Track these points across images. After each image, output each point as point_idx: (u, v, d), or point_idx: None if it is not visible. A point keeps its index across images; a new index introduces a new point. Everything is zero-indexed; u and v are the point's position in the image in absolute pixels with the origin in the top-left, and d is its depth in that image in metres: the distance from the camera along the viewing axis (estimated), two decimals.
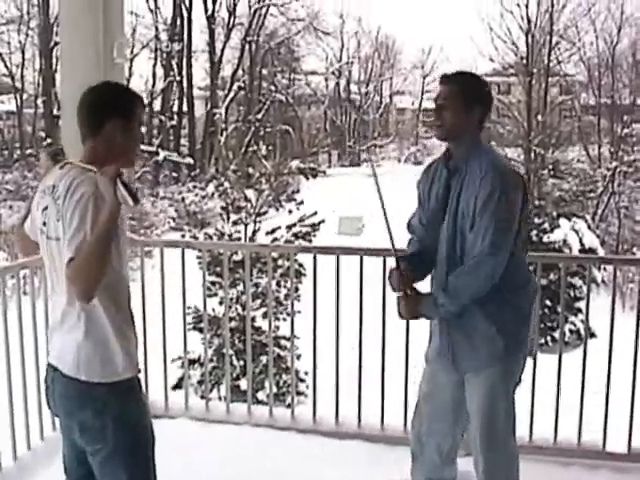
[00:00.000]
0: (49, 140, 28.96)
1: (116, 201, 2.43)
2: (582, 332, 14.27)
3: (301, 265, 10.54)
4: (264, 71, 41.19)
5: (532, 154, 27.80)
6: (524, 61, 30.26)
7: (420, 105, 52.76)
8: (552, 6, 29.42)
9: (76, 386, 2.60)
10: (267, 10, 38.66)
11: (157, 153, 32.20)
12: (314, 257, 4.58)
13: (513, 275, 3.25)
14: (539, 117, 28.73)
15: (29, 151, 32.97)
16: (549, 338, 14.43)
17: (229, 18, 37.96)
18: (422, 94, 52.50)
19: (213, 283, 11.08)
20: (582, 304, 15.21)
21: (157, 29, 36.35)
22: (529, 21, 29.80)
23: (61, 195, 2.52)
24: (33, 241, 2.80)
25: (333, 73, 49.36)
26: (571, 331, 15.71)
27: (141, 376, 2.74)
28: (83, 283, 2.39)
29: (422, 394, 3.66)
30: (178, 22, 36.24)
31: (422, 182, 3.56)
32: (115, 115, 2.64)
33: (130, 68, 33.37)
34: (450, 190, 3.33)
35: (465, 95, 3.28)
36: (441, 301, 3.24)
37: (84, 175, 2.54)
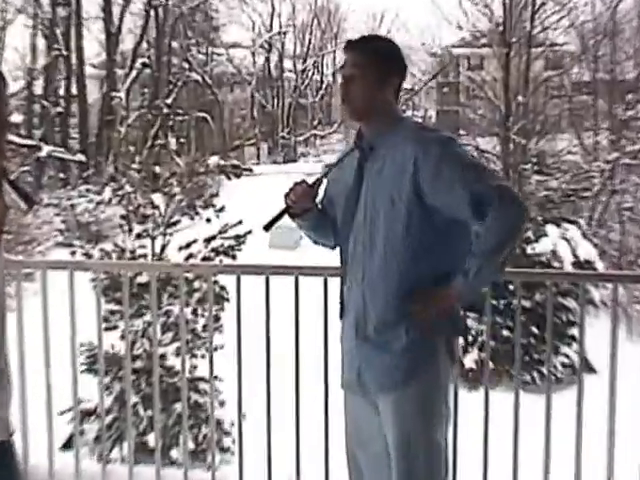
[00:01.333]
0: None
1: (3, 206, 2.38)
2: (577, 366, 14.43)
3: (223, 288, 10.50)
4: (174, 44, 41.13)
5: (511, 144, 28.07)
6: (500, 28, 30.24)
7: None
8: None
9: None
10: None
11: (39, 148, 31.86)
12: (238, 278, 4.57)
13: (435, 265, 3.37)
14: (519, 98, 29.04)
15: None
16: (535, 374, 14.54)
17: None
18: (338, 69, 53.25)
19: (112, 312, 10.95)
20: (577, 331, 15.36)
21: None
22: None
23: None
24: None
25: (262, 46, 49.56)
26: (564, 365, 15.79)
27: (17, 436, 2.67)
28: None
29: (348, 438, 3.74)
30: None
31: (331, 174, 3.68)
32: None
33: (0, 39, 33.03)
34: (363, 176, 3.45)
35: (376, 63, 3.42)
36: (472, 267, 3.27)
37: None
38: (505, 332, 13.17)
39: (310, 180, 3.63)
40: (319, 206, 3.69)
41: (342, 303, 3.61)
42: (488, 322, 4.42)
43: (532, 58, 31.38)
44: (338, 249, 3.63)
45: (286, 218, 3.64)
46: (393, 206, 3.30)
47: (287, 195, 3.60)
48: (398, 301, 3.34)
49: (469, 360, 14.70)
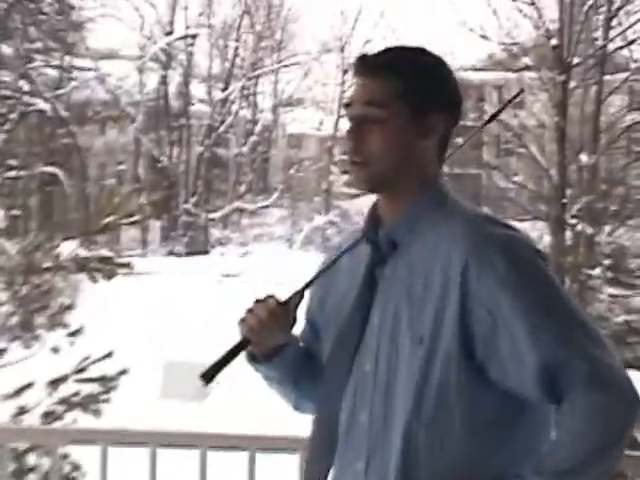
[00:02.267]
0: None
1: None
2: None
3: (77, 468, 10.45)
4: (6, 49, 41.37)
5: (568, 234, 28.35)
6: (554, 40, 30.39)
7: (336, 128, 53.35)
8: None
9: None
10: None
11: None
12: (104, 451, 4.54)
13: (483, 462, 3.16)
14: (583, 157, 29.27)
15: None
16: None
17: None
18: (343, 106, 53.84)
19: None
20: None
21: None
22: None
23: None
24: None
25: (156, 58, 50.00)
26: None
27: None
28: None
29: None
30: None
31: (316, 286, 3.51)
32: None
33: None
34: (376, 287, 3.28)
35: (414, 97, 3.21)
36: None
37: None
38: None
39: (282, 295, 3.43)
40: (298, 341, 3.55)
41: None
42: None
43: (606, 91, 31.80)
44: (315, 410, 3.43)
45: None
46: (425, 349, 3.08)
47: (244, 320, 3.38)
48: None
49: None
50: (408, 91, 3.15)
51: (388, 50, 3.27)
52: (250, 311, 3.34)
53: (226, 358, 3.34)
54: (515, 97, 3.51)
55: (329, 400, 3.31)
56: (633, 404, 2.98)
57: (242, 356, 3.40)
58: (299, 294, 3.37)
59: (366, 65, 3.21)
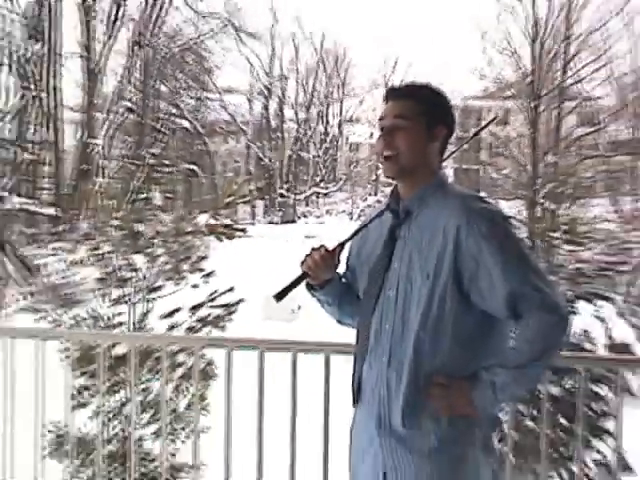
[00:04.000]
0: None
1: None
2: (612, 464, 14.25)
3: (210, 363, 10.46)
4: (163, 87, 41.33)
5: (539, 209, 28.01)
6: (529, 79, 30.31)
7: None
8: (570, 1, 29.66)
9: None
10: (169, 0, 38.94)
11: (3, 200, 31.92)
12: (228, 353, 4.55)
13: (469, 360, 3.29)
14: (549, 157, 29.00)
15: None
16: (564, 472, 14.39)
17: (114, 10, 38.08)
18: (378, 119, 53.40)
19: (83, 388, 10.91)
20: (612, 423, 15.20)
21: (8, 20, 36.26)
22: (536, 23, 29.98)
23: None
24: None
25: (260, 92, 49.85)
26: (597, 462, 15.53)
27: None
28: None
29: None
30: (38, 11, 36.09)
31: (354, 241, 3.66)
32: None
33: None
34: (396, 242, 3.41)
35: (425, 114, 3.40)
36: (501, 380, 3.21)
37: None
38: (529, 423, 13.09)
39: (330, 245, 3.59)
40: (342, 277, 3.67)
41: (357, 387, 3.50)
42: (511, 411, 4.40)
43: (564, 113, 31.63)
44: (356, 325, 3.54)
45: (282, 286, 3.60)
46: (430, 282, 3.25)
47: (303, 262, 3.58)
48: (426, 393, 3.26)
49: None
50: (424, 111, 3.38)
51: (409, 85, 3.50)
52: (308, 255, 3.57)
53: (291, 285, 3.58)
54: (490, 122, 3.73)
55: (365, 317, 3.46)
56: (567, 321, 3.22)
57: (303, 286, 3.65)
58: (341, 245, 3.56)
59: (397, 92, 3.45)
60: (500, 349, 3.31)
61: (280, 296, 3.56)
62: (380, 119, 3.45)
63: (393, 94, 3.45)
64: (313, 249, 3.57)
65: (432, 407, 3.26)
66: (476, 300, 3.24)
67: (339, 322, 3.81)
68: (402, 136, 3.36)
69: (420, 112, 3.37)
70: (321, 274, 3.56)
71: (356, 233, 3.59)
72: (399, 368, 3.31)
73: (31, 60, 35.75)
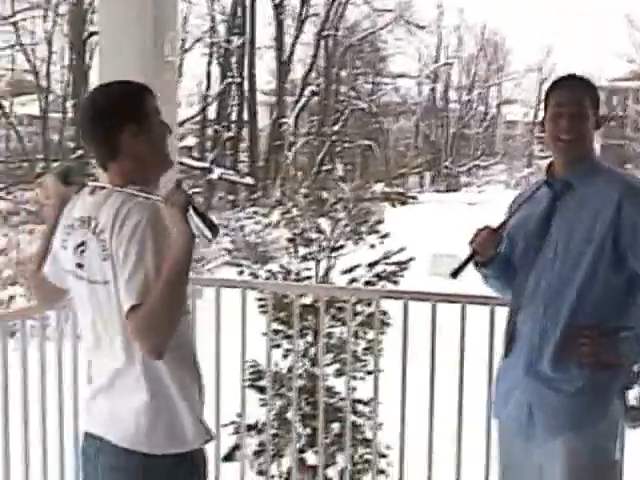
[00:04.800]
0: (73, 154, 29.08)
1: (190, 234, 2.37)
2: None
3: (384, 313, 10.50)
4: (343, 73, 41.56)
5: None
6: None
7: (535, 117, 52.19)
8: None
9: (133, 459, 2.55)
10: None
11: (210, 170, 32.58)
12: (405, 305, 4.54)
13: (616, 316, 3.23)
14: None
15: (55, 164, 32.85)
16: None
17: (301, 8, 38.46)
18: (538, 104, 52.14)
19: (276, 332, 11.09)
20: None
21: (213, 19, 36.89)
22: None
23: (106, 228, 2.47)
24: (57, 287, 2.80)
25: (428, 77, 49.56)
26: None
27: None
28: (155, 336, 2.35)
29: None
30: (239, 11, 36.72)
31: (513, 207, 3.56)
32: (126, 124, 2.56)
33: (180, 67, 33.72)
34: (555, 213, 3.32)
35: (597, 104, 3.34)
36: None
37: (132, 201, 2.48)
38: None
39: (494, 224, 3.48)
40: (502, 251, 3.54)
41: (510, 339, 3.43)
42: None
43: None
44: (514, 282, 3.47)
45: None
46: (589, 247, 3.17)
47: (472, 242, 3.48)
48: (576, 341, 3.19)
49: (630, 397, 14.26)
50: (596, 101, 3.33)
51: (581, 76, 3.43)
52: (476, 235, 3.45)
53: (463, 263, 3.50)
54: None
55: (521, 274, 3.39)
56: None
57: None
58: (503, 224, 3.45)
59: (574, 82, 3.38)
60: None
61: (455, 274, 3.54)
62: (558, 105, 3.30)
63: (570, 83, 3.37)
64: (479, 229, 3.47)
65: (580, 354, 3.18)
66: (631, 261, 3.15)
67: (499, 293, 3.74)
68: (584, 123, 3.27)
69: (594, 103, 3.30)
70: (487, 252, 3.45)
71: (516, 211, 3.49)
72: (554, 319, 3.22)
73: (232, 52, 36.32)
